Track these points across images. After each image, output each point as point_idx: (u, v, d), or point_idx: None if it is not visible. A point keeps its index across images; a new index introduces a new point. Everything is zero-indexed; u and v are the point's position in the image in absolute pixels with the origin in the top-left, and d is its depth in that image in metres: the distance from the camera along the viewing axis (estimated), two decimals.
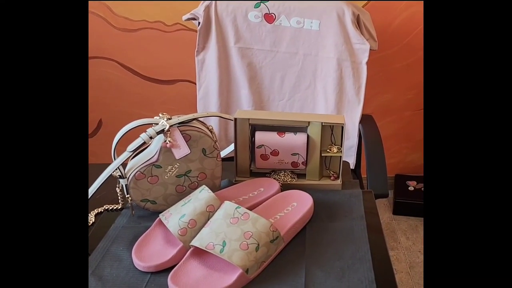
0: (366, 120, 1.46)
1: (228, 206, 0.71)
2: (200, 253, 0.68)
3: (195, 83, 1.46)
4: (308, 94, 1.46)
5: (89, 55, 1.80)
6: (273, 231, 0.70)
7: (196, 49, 1.39)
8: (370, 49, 1.38)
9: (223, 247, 0.66)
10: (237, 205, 0.70)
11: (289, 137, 0.88)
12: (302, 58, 1.41)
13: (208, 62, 1.41)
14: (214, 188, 0.84)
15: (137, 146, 0.75)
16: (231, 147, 0.95)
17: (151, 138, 0.75)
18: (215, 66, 1.40)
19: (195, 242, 0.67)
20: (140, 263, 0.67)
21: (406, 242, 1.84)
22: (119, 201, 0.84)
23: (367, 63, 1.40)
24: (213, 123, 1.45)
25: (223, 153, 0.96)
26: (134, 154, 0.81)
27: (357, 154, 1.51)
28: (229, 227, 0.68)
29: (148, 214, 0.82)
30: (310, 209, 0.79)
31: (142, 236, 0.73)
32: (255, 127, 0.90)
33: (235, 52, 1.39)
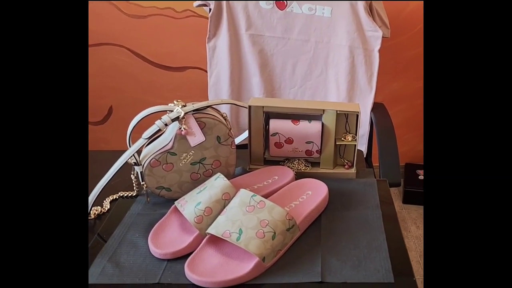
0: (378, 108, 1.45)
1: (244, 194, 0.71)
2: (216, 241, 0.69)
3: (206, 70, 1.45)
4: (320, 82, 1.45)
5: (100, 41, 1.80)
6: (289, 219, 0.69)
7: (207, 36, 1.38)
8: (383, 37, 1.37)
9: (240, 235, 0.66)
10: (253, 193, 0.70)
11: (304, 125, 0.87)
12: (314, 45, 1.39)
13: (219, 49, 1.40)
14: (228, 176, 0.84)
15: (152, 133, 0.74)
16: (245, 134, 0.94)
17: (166, 125, 0.75)
18: (226, 53, 1.39)
19: (212, 230, 0.67)
20: (156, 250, 0.68)
21: (416, 231, 1.84)
22: (134, 188, 0.84)
23: (379, 50, 1.38)
24: (225, 110, 1.44)
25: (237, 141, 0.96)
26: (149, 141, 0.81)
27: (368, 142, 1.50)
28: (245, 215, 0.68)
29: (163, 201, 0.82)
30: (325, 198, 0.79)
31: (158, 223, 0.73)
32: (269, 115, 0.89)
33: (246, 39, 1.38)
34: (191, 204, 0.72)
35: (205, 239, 0.68)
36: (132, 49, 1.82)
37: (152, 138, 0.81)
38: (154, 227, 0.73)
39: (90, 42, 1.79)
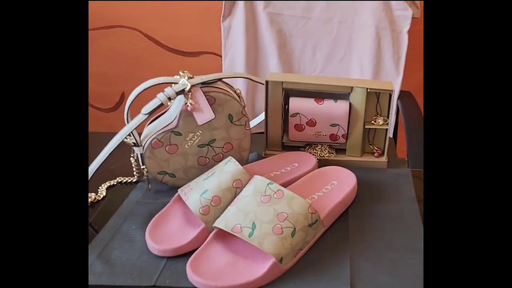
0: (405, 97, 1.34)
1: (259, 182, 0.60)
2: (224, 237, 0.58)
3: (220, 56, 1.36)
4: (342, 66, 1.34)
5: (111, 23, 1.72)
6: (311, 213, 0.58)
7: (221, 15, 1.29)
8: (412, 17, 1.25)
9: (253, 230, 0.55)
10: (269, 181, 0.59)
11: (329, 105, 0.76)
12: (337, 25, 1.29)
13: (234, 29, 1.30)
14: (241, 162, 0.73)
15: (153, 108, 0.64)
16: (261, 117, 0.84)
17: (169, 99, 0.64)
18: (242, 33, 1.29)
19: (219, 223, 0.57)
20: (154, 246, 0.57)
21: None
22: (134, 173, 0.74)
23: (408, 32, 1.27)
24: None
25: (251, 124, 0.85)
26: (152, 119, 0.71)
27: (393, 134, 1.39)
28: (260, 207, 0.57)
29: (166, 189, 0.72)
30: (353, 189, 0.68)
31: (158, 214, 0.63)
32: (288, 93, 0.78)
33: (264, 18, 1.28)
34: (196, 192, 0.62)
35: (211, 234, 0.58)
36: (145, 32, 1.73)
37: (156, 116, 0.71)
38: (154, 218, 0.62)
39: (101, 24, 1.71)
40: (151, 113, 0.64)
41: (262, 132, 0.80)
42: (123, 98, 1.85)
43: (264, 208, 0.57)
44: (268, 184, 0.59)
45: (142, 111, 0.64)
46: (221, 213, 0.59)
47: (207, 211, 0.59)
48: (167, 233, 0.60)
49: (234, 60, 1.34)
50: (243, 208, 0.58)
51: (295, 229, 0.56)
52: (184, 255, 0.57)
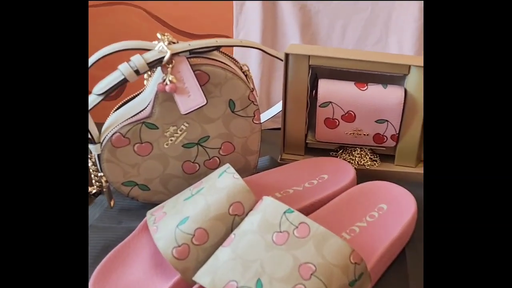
0: None
1: (270, 208, 0.37)
2: None
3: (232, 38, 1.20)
4: (377, 50, 1.15)
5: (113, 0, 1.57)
6: (355, 263, 0.36)
7: None
8: None
9: None
10: (286, 207, 0.37)
11: (375, 91, 0.53)
12: (372, 2, 1.10)
13: (249, 4, 1.12)
14: (246, 170, 0.51)
15: (111, 85, 0.42)
16: (277, 107, 0.61)
17: (137, 72, 0.42)
18: (258, 8, 1.11)
19: (203, 277, 0.35)
20: None
21: None
22: (93, 182, 0.52)
23: None
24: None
25: (263, 118, 0.62)
26: (119, 105, 0.49)
27: None
28: (271, 252, 0.35)
29: (136, 207, 0.50)
30: (412, 218, 0.45)
31: (114, 250, 0.41)
32: (318, 73, 0.56)
33: None
34: (171, 220, 0.39)
35: None
36: (149, 11, 1.58)
37: (125, 100, 0.49)
38: (106, 258, 0.40)
39: (101, 0, 1.56)
40: (107, 93, 0.42)
41: (278, 129, 0.58)
42: (125, 84, 1.68)
43: (277, 254, 0.35)
44: (284, 212, 0.37)
45: (94, 90, 0.42)
46: (208, 258, 0.37)
47: (184, 253, 0.37)
48: (123, 286, 0.38)
49: (247, 38, 1.15)
50: (243, 252, 0.35)
51: None
52: None
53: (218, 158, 0.49)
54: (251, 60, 1.10)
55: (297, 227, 0.36)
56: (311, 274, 0.34)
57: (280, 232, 0.36)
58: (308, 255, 0.35)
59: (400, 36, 1.11)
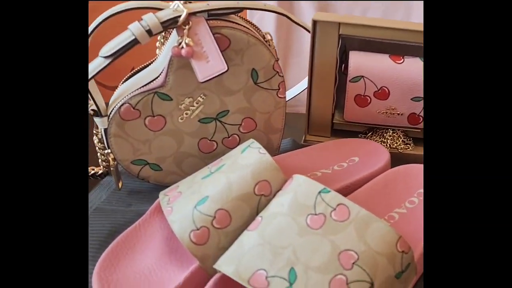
0: None
1: (302, 188, 0.32)
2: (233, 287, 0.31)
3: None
4: None
5: None
6: (402, 252, 0.31)
7: None
8: None
9: (290, 284, 0.28)
10: (322, 186, 0.32)
11: (412, 64, 0.48)
12: None
13: None
14: (269, 151, 0.46)
15: (120, 46, 0.37)
16: (302, 84, 0.56)
17: (149, 33, 0.37)
18: None
19: (226, 266, 0.30)
20: None
21: None
22: (99, 161, 0.47)
23: None
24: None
25: (287, 96, 0.57)
26: (130, 74, 0.44)
27: None
28: (305, 237, 0.30)
29: (147, 189, 0.45)
30: None
31: (122, 234, 0.36)
32: (347, 44, 0.50)
33: None
34: (187, 201, 0.34)
35: (210, 283, 0.31)
36: None
37: (137, 70, 0.45)
38: (114, 242, 0.36)
39: None
40: (116, 55, 0.37)
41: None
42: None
43: (312, 239, 0.30)
44: (320, 192, 0.32)
45: (101, 51, 0.37)
46: (230, 244, 0.32)
47: (204, 237, 0.32)
48: (132, 274, 0.33)
49: (261, 20, 1.08)
50: (273, 237, 0.30)
51: (372, 284, 0.29)
52: None
53: (238, 136, 0.44)
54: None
55: (334, 209, 0.31)
56: (353, 263, 0.29)
57: (315, 214, 0.31)
58: (349, 241, 0.30)
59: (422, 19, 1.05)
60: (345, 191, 0.42)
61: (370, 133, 0.53)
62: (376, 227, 0.30)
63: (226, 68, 0.37)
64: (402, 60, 0.48)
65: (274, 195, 0.34)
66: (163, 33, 0.41)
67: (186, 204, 0.34)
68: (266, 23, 1.04)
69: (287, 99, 0.56)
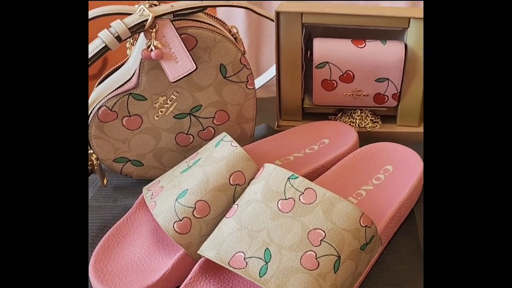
0: None
1: (273, 175, 0.35)
2: (218, 271, 0.34)
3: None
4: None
5: None
6: (365, 226, 0.34)
7: None
8: None
9: (266, 263, 0.31)
10: (291, 173, 0.35)
11: (374, 48, 0.50)
12: None
13: None
14: (242, 140, 0.48)
15: (93, 54, 0.38)
16: (270, 72, 0.58)
17: (118, 39, 0.39)
18: None
19: (208, 250, 0.33)
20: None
21: None
22: None
23: None
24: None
25: (257, 84, 0.59)
26: (103, 77, 0.46)
27: None
28: (277, 220, 0.33)
29: (131, 184, 0.48)
30: (419, 178, 0.43)
31: (111, 230, 0.39)
32: (311, 32, 0.53)
33: None
34: (169, 194, 0.37)
35: (195, 267, 0.34)
36: None
37: (110, 72, 0.46)
38: (105, 236, 0.38)
39: None
40: (89, 62, 0.39)
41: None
42: (106, 63, 1.60)
43: (284, 222, 0.33)
44: (288, 179, 0.34)
45: None
46: (211, 231, 0.35)
47: (187, 227, 0.35)
48: (125, 264, 0.36)
49: (230, 11, 1.06)
50: (249, 222, 0.33)
51: (339, 257, 0.32)
52: None
53: (213, 128, 0.47)
54: (237, 26, 1.02)
55: (303, 193, 0.34)
56: (321, 240, 0.32)
57: (286, 199, 0.34)
58: (317, 221, 0.33)
59: None
60: (317, 173, 0.45)
61: (339, 114, 0.56)
62: (340, 206, 0.33)
63: (195, 67, 0.39)
64: (364, 44, 0.50)
65: (248, 184, 0.37)
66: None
67: (168, 198, 0.37)
68: (236, 8, 1.03)
69: (257, 87, 0.58)
